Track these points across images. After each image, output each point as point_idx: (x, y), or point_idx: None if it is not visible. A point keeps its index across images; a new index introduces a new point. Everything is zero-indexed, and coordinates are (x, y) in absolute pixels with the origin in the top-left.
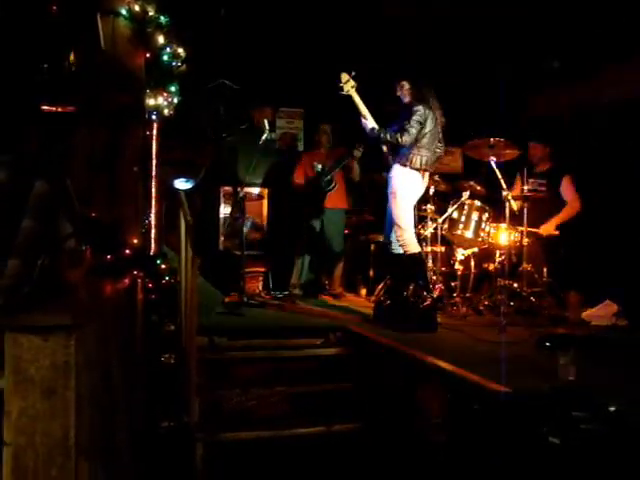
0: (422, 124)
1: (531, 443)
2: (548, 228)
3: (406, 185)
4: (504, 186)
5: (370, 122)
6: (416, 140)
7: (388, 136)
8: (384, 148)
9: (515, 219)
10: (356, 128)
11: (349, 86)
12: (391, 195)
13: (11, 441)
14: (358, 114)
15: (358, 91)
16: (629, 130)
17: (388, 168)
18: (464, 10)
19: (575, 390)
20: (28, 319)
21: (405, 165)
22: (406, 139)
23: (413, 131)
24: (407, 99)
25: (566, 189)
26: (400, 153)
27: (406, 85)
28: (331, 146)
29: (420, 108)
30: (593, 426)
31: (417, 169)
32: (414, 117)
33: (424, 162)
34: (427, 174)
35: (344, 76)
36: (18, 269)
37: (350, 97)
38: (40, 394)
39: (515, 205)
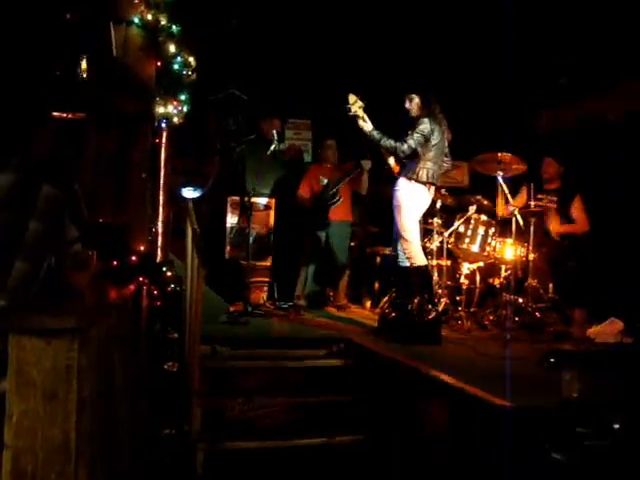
0: (427, 137)
1: (534, 459)
2: (558, 228)
3: (411, 198)
4: (511, 201)
5: (369, 125)
6: (421, 153)
7: (388, 143)
8: (390, 162)
9: (521, 234)
10: (364, 141)
11: (357, 106)
12: (396, 208)
13: (11, 444)
14: (356, 117)
15: (366, 110)
16: (637, 144)
17: (393, 181)
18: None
19: (579, 407)
20: (31, 321)
21: (411, 179)
22: (404, 149)
23: (412, 143)
24: (415, 112)
25: (576, 209)
26: (406, 166)
27: (416, 99)
28: (337, 160)
29: (425, 121)
30: (597, 443)
31: (423, 182)
32: (417, 129)
33: (430, 175)
34: (433, 187)
35: (352, 97)
36: (24, 271)
37: (358, 117)
38: (42, 397)
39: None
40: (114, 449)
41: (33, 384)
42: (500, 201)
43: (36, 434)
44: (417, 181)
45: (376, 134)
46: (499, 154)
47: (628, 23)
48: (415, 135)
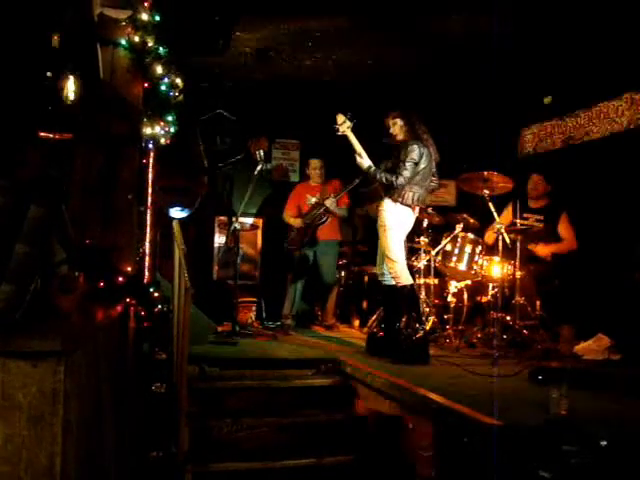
0: (417, 163)
1: (522, 477)
2: (544, 250)
3: (396, 219)
4: (497, 219)
5: (366, 161)
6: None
7: (384, 178)
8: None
9: (508, 252)
10: (351, 161)
11: (345, 127)
12: (381, 228)
13: None
14: (354, 152)
15: (354, 130)
16: (620, 164)
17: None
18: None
19: (566, 424)
20: (17, 344)
21: (396, 200)
22: (401, 181)
23: (407, 174)
24: (401, 137)
25: (563, 227)
26: (392, 187)
27: (399, 122)
28: (324, 180)
29: (415, 147)
30: (584, 460)
31: (408, 205)
32: (409, 157)
33: (415, 198)
34: (418, 208)
35: (340, 117)
36: (10, 293)
37: (346, 137)
38: (27, 421)
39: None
40: (101, 472)
41: (19, 408)
42: (489, 232)
43: (21, 459)
44: (402, 203)
45: (373, 170)
46: (485, 173)
47: (611, 43)
48: (407, 164)
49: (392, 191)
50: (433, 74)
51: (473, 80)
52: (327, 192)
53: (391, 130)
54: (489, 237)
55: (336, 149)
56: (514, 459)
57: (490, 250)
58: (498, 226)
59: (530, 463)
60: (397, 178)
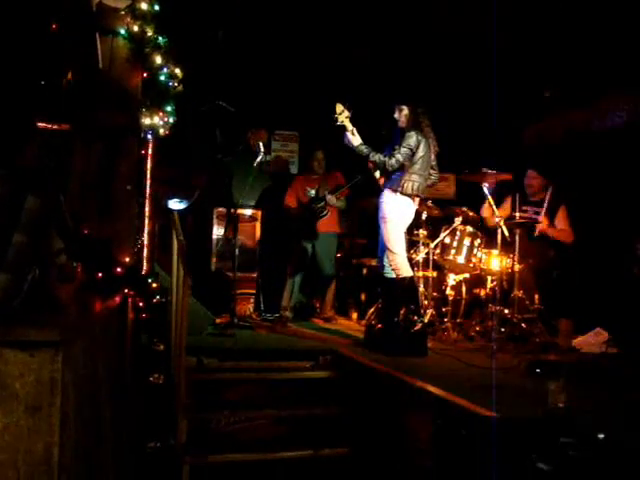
0: (413, 150)
1: (520, 469)
2: (546, 227)
3: (397, 210)
4: (497, 212)
5: (356, 140)
6: (407, 166)
7: (377, 157)
8: (376, 174)
9: (507, 245)
10: (351, 154)
11: (343, 116)
12: (382, 220)
13: None
14: (344, 130)
15: (352, 120)
16: (620, 158)
17: (379, 193)
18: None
19: (564, 417)
20: (15, 333)
21: (396, 191)
22: (393, 163)
23: (400, 157)
24: (403, 124)
25: (561, 221)
26: (391, 178)
27: (405, 110)
28: (325, 172)
29: (413, 134)
30: (581, 453)
31: (408, 195)
32: (405, 143)
33: (415, 188)
34: (417, 199)
35: (339, 107)
36: (8, 283)
37: (344, 127)
38: (24, 411)
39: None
40: (98, 463)
41: (16, 397)
42: (486, 207)
43: (18, 448)
44: (402, 193)
45: (364, 149)
46: (487, 171)
47: (611, 37)
48: (402, 150)
49: (392, 182)
50: (435, 69)
51: (475, 74)
52: (327, 184)
53: (396, 115)
54: (485, 213)
55: (335, 141)
56: (512, 451)
57: (489, 243)
58: (497, 219)
59: (528, 455)
60: (390, 158)
